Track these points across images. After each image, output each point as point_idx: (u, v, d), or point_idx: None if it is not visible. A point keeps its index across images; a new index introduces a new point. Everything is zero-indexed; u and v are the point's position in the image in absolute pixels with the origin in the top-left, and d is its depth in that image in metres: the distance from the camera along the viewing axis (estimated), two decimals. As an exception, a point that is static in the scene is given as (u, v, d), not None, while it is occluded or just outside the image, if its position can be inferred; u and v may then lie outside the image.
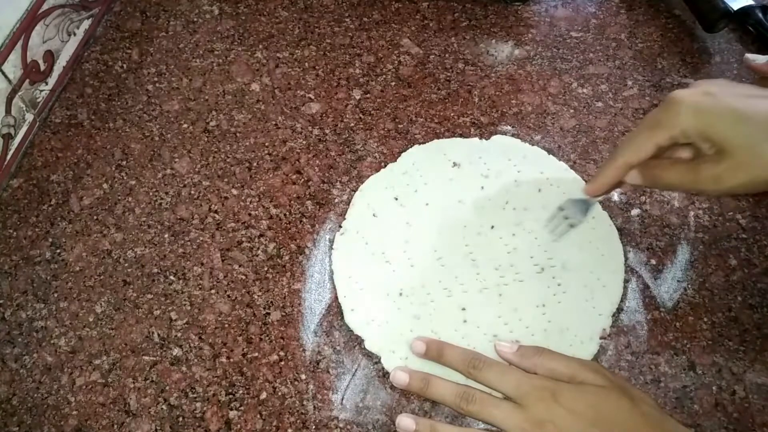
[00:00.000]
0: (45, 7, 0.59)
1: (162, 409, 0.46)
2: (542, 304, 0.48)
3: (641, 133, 0.40)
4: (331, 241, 0.52)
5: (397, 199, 0.53)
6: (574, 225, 0.48)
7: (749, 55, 0.55)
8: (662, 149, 0.40)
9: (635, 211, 0.53)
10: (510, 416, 0.40)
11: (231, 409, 0.46)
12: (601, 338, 0.47)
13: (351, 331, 0.48)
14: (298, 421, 0.45)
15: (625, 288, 0.49)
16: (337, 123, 0.59)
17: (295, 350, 0.48)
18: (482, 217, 0.52)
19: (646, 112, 0.59)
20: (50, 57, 0.61)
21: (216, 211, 0.55)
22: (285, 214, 0.54)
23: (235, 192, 0.56)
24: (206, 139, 0.59)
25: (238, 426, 0.45)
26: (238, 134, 0.59)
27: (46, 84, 0.61)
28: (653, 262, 0.50)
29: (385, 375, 0.46)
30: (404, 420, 0.43)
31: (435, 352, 0.45)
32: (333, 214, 0.54)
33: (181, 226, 0.54)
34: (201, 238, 0.53)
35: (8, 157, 0.57)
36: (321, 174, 0.56)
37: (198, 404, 0.46)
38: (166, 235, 0.54)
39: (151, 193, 0.56)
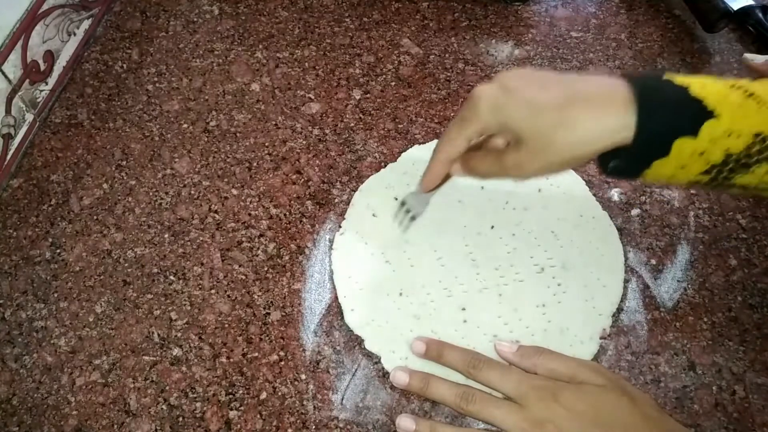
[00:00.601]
0: (45, 7, 0.59)
1: (162, 409, 0.46)
2: (542, 304, 0.48)
3: (453, 129, 0.42)
4: (331, 241, 0.52)
5: (397, 199, 0.53)
6: (416, 216, 0.49)
7: (748, 55, 0.55)
8: (475, 141, 0.42)
9: (635, 211, 0.53)
10: (510, 416, 0.40)
11: (231, 409, 0.46)
12: (601, 338, 0.47)
13: (351, 331, 0.48)
14: (298, 421, 0.45)
15: (625, 288, 0.49)
16: (337, 123, 0.59)
17: (295, 350, 0.48)
18: (482, 217, 0.52)
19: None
20: (50, 57, 0.61)
21: (216, 211, 0.55)
22: (285, 214, 0.54)
23: (235, 192, 0.56)
24: (206, 139, 0.59)
25: (238, 426, 0.45)
26: (238, 134, 0.59)
27: (46, 84, 0.61)
28: (653, 262, 0.50)
29: (385, 375, 0.46)
30: (404, 420, 0.43)
31: (435, 352, 0.45)
32: (333, 214, 0.54)
33: (181, 226, 0.54)
34: (201, 238, 0.53)
35: (8, 157, 0.57)
36: (321, 174, 0.56)
37: (198, 404, 0.46)
38: (166, 235, 0.54)
39: (151, 193, 0.56)
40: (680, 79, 0.36)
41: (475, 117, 0.39)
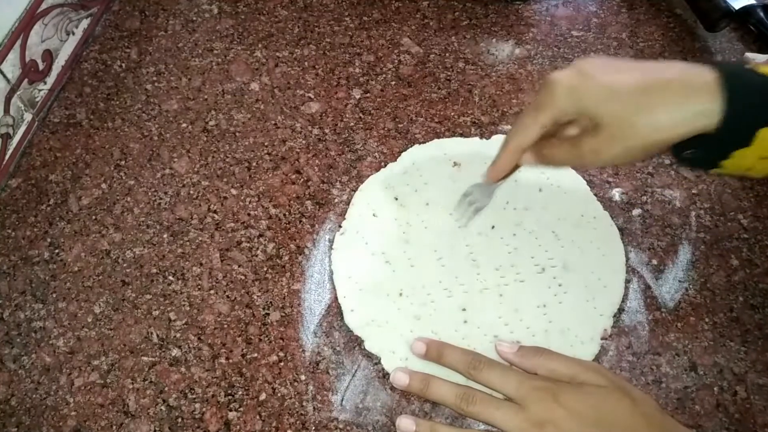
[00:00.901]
0: (44, 6, 0.59)
1: (161, 409, 0.46)
2: (543, 304, 0.48)
3: (526, 116, 0.42)
4: (331, 241, 0.52)
5: (397, 199, 0.53)
6: (480, 209, 0.49)
7: (749, 54, 0.55)
8: (548, 129, 0.42)
9: (636, 211, 0.53)
10: (511, 417, 0.40)
11: (230, 410, 0.45)
12: (602, 339, 0.47)
13: (351, 331, 0.47)
14: (298, 422, 0.45)
15: (627, 288, 0.49)
16: (337, 123, 0.59)
17: (295, 351, 0.47)
18: (482, 217, 0.51)
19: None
20: (49, 56, 0.61)
21: (215, 211, 0.55)
22: (284, 214, 0.54)
23: (234, 192, 0.56)
24: (205, 138, 0.59)
25: (238, 427, 0.45)
26: (237, 134, 0.59)
27: (45, 83, 0.61)
28: (654, 262, 0.50)
29: (385, 376, 0.46)
30: (404, 421, 0.43)
31: (435, 352, 0.45)
32: (333, 214, 0.54)
33: (180, 226, 0.54)
34: (200, 238, 0.53)
35: (7, 156, 0.57)
36: (321, 174, 0.56)
37: (197, 405, 0.46)
38: (165, 235, 0.53)
39: (150, 193, 0.56)
40: (764, 68, 0.36)
41: (552, 102, 0.39)
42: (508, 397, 0.41)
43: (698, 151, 0.37)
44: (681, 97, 0.36)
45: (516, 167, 0.45)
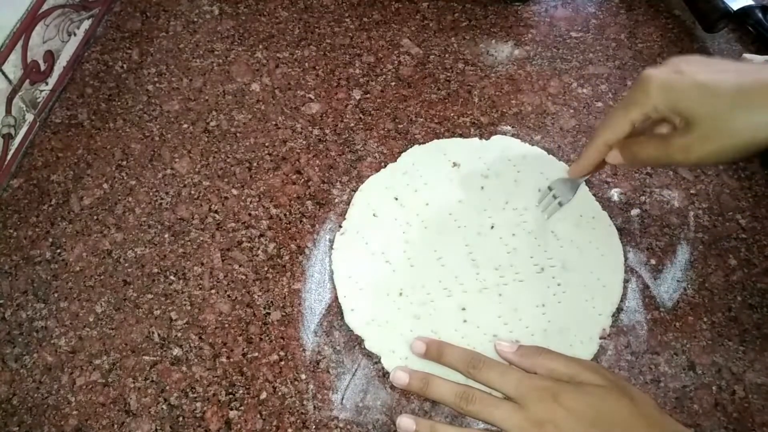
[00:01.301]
0: (45, 7, 0.59)
1: (162, 408, 0.46)
2: (542, 304, 0.48)
3: (617, 112, 0.42)
4: (331, 241, 0.52)
5: (397, 199, 0.53)
6: (563, 203, 0.50)
7: (747, 55, 0.55)
8: (638, 126, 0.42)
9: (635, 211, 0.53)
10: (510, 416, 0.40)
11: (231, 409, 0.46)
12: (601, 338, 0.47)
13: (351, 331, 0.48)
14: (298, 420, 0.45)
15: (625, 288, 0.49)
16: (337, 123, 0.59)
17: (295, 350, 0.48)
18: (482, 217, 0.52)
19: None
20: (50, 57, 0.61)
21: (216, 211, 0.55)
22: (285, 214, 0.54)
23: (235, 192, 0.56)
24: (206, 139, 0.59)
25: (238, 426, 0.45)
26: (238, 134, 0.59)
27: (47, 84, 0.61)
28: (653, 262, 0.50)
29: (385, 375, 0.46)
30: (404, 420, 0.43)
31: (435, 352, 0.45)
32: (333, 214, 0.54)
33: (181, 226, 0.54)
34: (201, 238, 0.53)
35: (8, 157, 0.57)
36: (321, 174, 0.56)
37: (198, 404, 0.46)
38: (167, 235, 0.54)
39: (151, 193, 0.56)
40: None
41: (645, 98, 0.39)
42: (508, 396, 0.42)
43: None
44: None
45: (602, 164, 0.45)
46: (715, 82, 0.38)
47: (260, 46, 0.65)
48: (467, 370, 0.43)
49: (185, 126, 0.60)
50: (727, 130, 0.38)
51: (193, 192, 0.56)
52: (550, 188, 0.51)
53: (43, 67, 0.60)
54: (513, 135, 0.57)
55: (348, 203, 0.54)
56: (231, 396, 0.46)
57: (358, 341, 0.47)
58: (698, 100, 0.38)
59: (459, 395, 0.42)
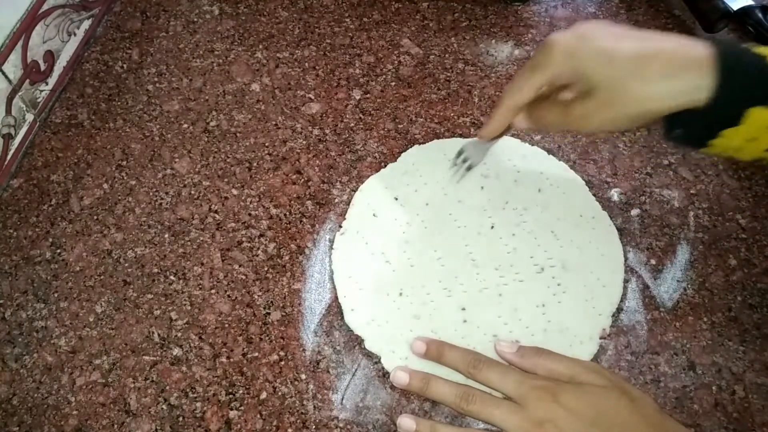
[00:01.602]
0: (45, 7, 0.59)
1: (162, 408, 0.46)
2: (542, 304, 0.48)
3: (522, 76, 0.41)
4: (331, 241, 0.52)
5: (397, 199, 0.53)
6: (472, 166, 0.50)
7: None
8: (543, 91, 0.42)
9: (635, 211, 0.53)
10: (510, 416, 0.40)
11: (231, 409, 0.46)
12: (600, 338, 0.47)
13: (351, 331, 0.48)
14: (298, 420, 0.45)
15: (625, 288, 0.49)
16: (337, 123, 0.59)
17: (295, 350, 0.48)
18: (482, 217, 0.52)
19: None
20: (50, 57, 0.61)
21: (216, 211, 0.55)
22: (285, 214, 0.54)
23: (235, 192, 0.56)
24: (206, 139, 0.59)
25: (238, 426, 0.45)
26: (238, 134, 0.59)
27: (47, 84, 0.61)
28: (653, 262, 0.50)
29: (385, 375, 0.46)
30: (405, 420, 0.43)
31: (435, 352, 0.45)
32: (333, 214, 0.54)
33: (181, 226, 0.54)
34: (201, 238, 0.53)
35: (8, 157, 0.57)
36: (321, 174, 0.56)
37: (198, 404, 0.46)
38: (166, 235, 0.54)
39: (151, 193, 0.56)
40: (759, 48, 0.36)
41: (549, 62, 0.39)
42: (508, 396, 0.42)
43: (687, 129, 0.37)
44: (675, 68, 0.36)
45: (509, 128, 0.45)
46: (615, 49, 0.38)
47: (260, 46, 0.65)
48: (467, 370, 0.43)
49: (185, 126, 0.60)
50: (622, 99, 0.37)
51: (193, 192, 0.56)
52: (460, 152, 0.50)
53: (43, 67, 0.60)
54: (513, 135, 0.57)
55: (348, 203, 0.54)
56: (231, 396, 0.46)
57: (358, 341, 0.47)
58: (599, 67, 0.38)
59: (459, 395, 0.42)
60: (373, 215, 0.52)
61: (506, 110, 0.43)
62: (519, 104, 0.42)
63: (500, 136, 0.46)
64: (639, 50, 0.37)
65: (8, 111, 0.57)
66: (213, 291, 0.51)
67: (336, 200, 0.55)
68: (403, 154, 0.56)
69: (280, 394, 0.46)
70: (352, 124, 0.59)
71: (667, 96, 0.37)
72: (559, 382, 0.41)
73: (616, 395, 0.40)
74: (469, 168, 0.50)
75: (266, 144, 0.58)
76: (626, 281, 0.49)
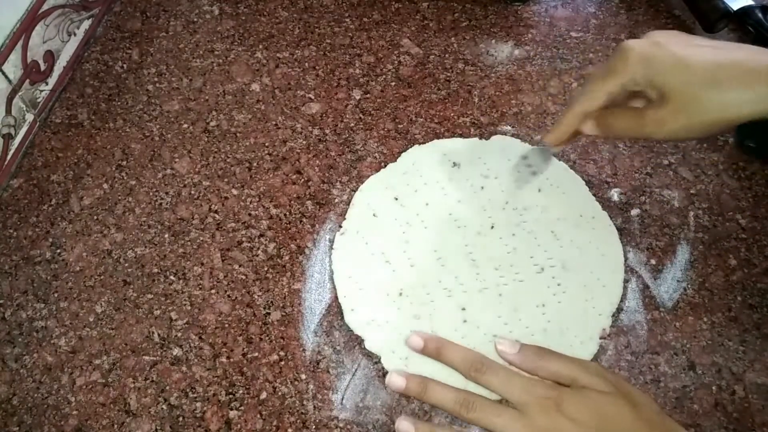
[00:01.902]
0: (45, 7, 0.59)
1: (162, 408, 0.46)
2: (542, 304, 0.48)
3: (594, 82, 0.42)
4: (331, 241, 0.52)
5: (397, 199, 0.53)
6: (537, 173, 0.50)
7: None
8: (615, 97, 0.42)
9: (635, 211, 0.53)
10: (512, 425, 0.39)
11: (231, 409, 0.46)
12: (600, 338, 0.47)
13: (351, 331, 0.48)
14: (298, 420, 0.45)
15: (625, 288, 0.49)
16: (337, 123, 0.59)
17: (295, 350, 0.48)
18: (482, 217, 0.52)
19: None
20: (50, 57, 0.61)
21: (216, 211, 0.55)
22: (285, 214, 0.54)
23: (235, 192, 0.56)
24: (206, 139, 0.59)
25: (238, 426, 0.45)
26: (238, 134, 0.59)
27: (47, 84, 0.61)
28: (653, 262, 0.50)
29: (385, 375, 0.46)
30: (404, 423, 0.42)
31: (434, 349, 0.44)
32: (333, 214, 0.54)
33: (181, 226, 0.54)
34: (201, 238, 0.53)
35: (8, 157, 0.57)
36: (321, 174, 0.56)
37: (198, 404, 0.46)
38: (166, 235, 0.54)
39: (151, 193, 0.56)
40: None
41: (623, 68, 0.39)
42: (509, 402, 0.41)
43: (760, 139, 0.38)
44: (750, 78, 0.37)
45: (576, 134, 0.44)
46: (690, 57, 0.38)
47: (260, 46, 0.65)
48: (469, 372, 0.43)
49: (185, 126, 0.60)
50: (697, 106, 0.38)
51: (193, 192, 0.56)
52: (524, 157, 0.50)
53: (43, 67, 0.60)
54: (513, 135, 0.57)
55: (348, 203, 0.54)
56: (231, 396, 0.46)
57: (358, 341, 0.47)
58: (673, 74, 0.38)
59: (459, 402, 0.41)
60: (373, 215, 0.52)
61: (575, 116, 0.43)
62: (590, 110, 0.42)
63: (566, 142, 0.45)
64: (714, 58, 0.38)
65: (8, 111, 0.57)
66: (213, 291, 0.51)
67: (336, 200, 0.55)
68: (403, 154, 0.56)
69: (280, 394, 0.46)
70: (352, 124, 0.59)
71: (741, 104, 0.37)
72: (562, 389, 0.40)
73: (620, 402, 0.39)
74: (533, 174, 0.49)
75: (266, 144, 0.58)
76: (626, 281, 0.49)
